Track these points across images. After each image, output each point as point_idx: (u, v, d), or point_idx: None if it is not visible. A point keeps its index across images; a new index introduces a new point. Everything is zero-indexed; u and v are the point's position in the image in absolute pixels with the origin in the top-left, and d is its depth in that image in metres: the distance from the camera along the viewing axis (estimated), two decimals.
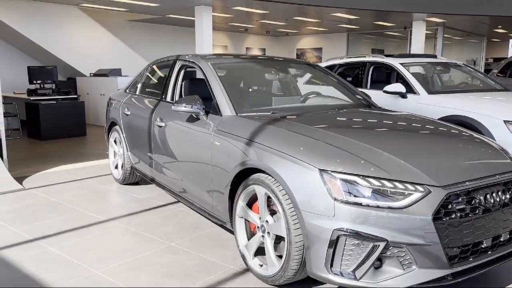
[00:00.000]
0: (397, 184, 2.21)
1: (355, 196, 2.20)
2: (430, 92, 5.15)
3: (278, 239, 2.60)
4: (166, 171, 3.81)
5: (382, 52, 19.04)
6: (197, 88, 3.96)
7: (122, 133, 4.68)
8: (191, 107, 3.20)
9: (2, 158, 5.28)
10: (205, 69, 3.53)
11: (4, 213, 3.98)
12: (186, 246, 3.25)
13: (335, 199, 2.21)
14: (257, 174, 2.64)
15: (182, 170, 3.53)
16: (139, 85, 4.74)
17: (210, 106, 3.27)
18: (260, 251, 2.73)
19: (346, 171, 2.25)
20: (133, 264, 2.97)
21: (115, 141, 5.03)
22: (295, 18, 13.39)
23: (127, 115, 4.55)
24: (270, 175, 2.53)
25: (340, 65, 6.59)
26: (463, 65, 6.18)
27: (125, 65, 11.07)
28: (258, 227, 2.71)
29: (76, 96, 8.89)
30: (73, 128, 8.38)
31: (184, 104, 3.23)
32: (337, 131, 2.76)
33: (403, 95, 5.21)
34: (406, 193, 2.20)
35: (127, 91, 4.98)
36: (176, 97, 3.94)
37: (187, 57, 3.95)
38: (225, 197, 2.94)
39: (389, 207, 2.17)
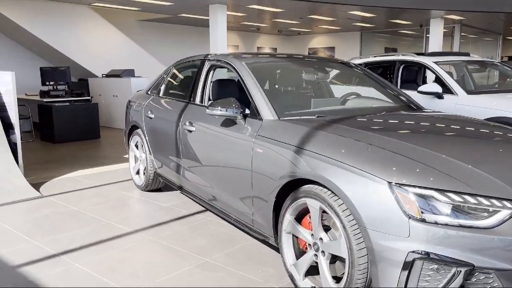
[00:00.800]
0: (482, 199, 1.93)
1: (432, 213, 1.92)
2: (469, 92, 4.86)
3: (333, 258, 2.33)
4: (196, 178, 3.54)
5: (395, 51, 18.70)
6: (227, 90, 3.71)
7: (145, 137, 4.42)
8: (227, 111, 2.94)
9: (18, 164, 5.04)
10: (240, 70, 3.26)
11: (23, 224, 3.74)
12: (222, 262, 2.99)
13: (409, 217, 1.93)
14: (309, 185, 2.37)
15: (215, 178, 3.26)
16: (162, 87, 4.48)
17: (243, 109, 3.00)
18: (311, 271, 2.46)
19: (421, 185, 1.97)
20: (170, 282, 2.71)
21: (136, 146, 4.78)
22: (309, 16, 13.11)
23: (151, 118, 4.29)
24: (325, 187, 2.26)
25: (366, 64, 6.30)
26: (499, 64, 5.87)
27: (137, 66, 10.85)
28: (309, 244, 2.44)
29: (89, 97, 8.66)
30: (86, 130, 8.15)
31: (219, 108, 2.96)
32: (397, 137, 2.48)
33: (439, 96, 4.92)
34: (491, 210, 1.92)
35: (149, 92, 4.73)
36: (206, 100, 3.67)
37: (217, 57, 3.69)
38: (268, 209, 2.67)
39: (473, 227, 1.89)
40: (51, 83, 8.25)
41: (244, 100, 3.07)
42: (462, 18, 13.11)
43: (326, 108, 3.25)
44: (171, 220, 3.81)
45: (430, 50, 13.13)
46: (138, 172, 4.80)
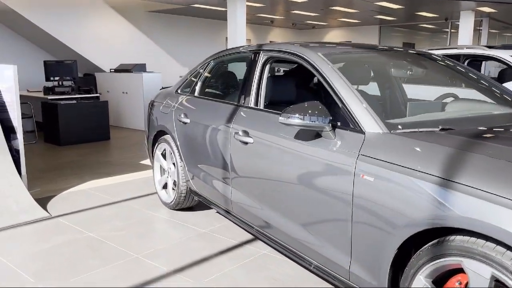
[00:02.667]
0: None
1: None
2: None
3: None
4: (253, 203, 2.74)
5: (413, 46, 17.89)
6: (287, 89, 2.91)
7: (177, 146, 3.62)
8: (312, 120, 2.13)
9: (20, 174, 4.25)
10: (319, 64, 2.45)
11: (29, 259, 2.94)
12: None
13: None
14: (467, 239, 1.57)
15: (285, 207, 2.46)
16: (198, 85, 3.66)
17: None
18: None
19: None
20: None
21: (163, 155, 3.98)
22: (331, 8, 12.27)
23: (185, 123, 3.49)
24: (501, 244, 1.46)
25: None
26: None
27: (147, 60, 10.03)
28: None
29: (98, 94, 7.84)
30: (95, 131, 7.35)
31: (298, 115, 2.16)
32: None
33: None
34: None
35: (179, 91, 3.92)
36: (261, 102, 2.87)
37: (278, 46, 2.87)
38: (382, 263, 1.87)
39: None
40: (56, 78, 7.43)
41: (328, 104, 2.26)
42: (493, 10, 12.28)
43: (441, 116, 2.45)
44: (216, 254, 3.01)
45: (459, 44, 12.31)
46: (165, 187, 4.00)
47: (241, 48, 3.33)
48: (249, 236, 3.28)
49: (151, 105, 4.28)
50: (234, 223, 3.37)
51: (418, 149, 1.84)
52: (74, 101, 7.22)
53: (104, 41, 10.17)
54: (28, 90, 8.06)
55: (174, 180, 3.81)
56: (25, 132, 7.30)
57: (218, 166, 3.07)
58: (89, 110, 7.28)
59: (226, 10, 9.45)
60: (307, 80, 3.52)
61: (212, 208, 3.82)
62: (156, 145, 4.03)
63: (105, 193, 4.38)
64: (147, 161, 5.80)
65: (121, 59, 10.05)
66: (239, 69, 3.29)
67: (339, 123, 2.21)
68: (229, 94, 3.47)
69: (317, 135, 2.24)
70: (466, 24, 11.98)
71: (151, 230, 3.46)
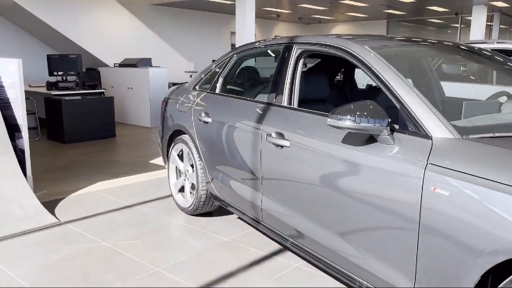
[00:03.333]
0: None
1: None
2: None
3: None
4: (292, 215, 2.45)
5: None
6: (321, 86, 2.64)
7: (196, 147, 3.34)
8: (370, 122, 1.86)
9: (25, 176, 3.97)
10: (369, 59, 2.17)
11: (39, 272, 2.67)
12: None
13: None
14: None
15: (336, 222, 2.18)
16: (219, 81, 3.38)
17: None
18: None
19: None
20: None
21: (179, 156, 3.71)
22: (340, 1, 11.95)
23: (206, 123, 3.21)
24: None
25: None
26: None
27: (151, 55, 9.72)
28: None
29: (103, 90, 7.54)
30: (101, 128, 7.06)
31: (349, 117, 1.89)
32: None
33: None
34: None
35: (197, 88, 3.64)
36: (295, 100, 2.59)
37: (316, 39, 2.59)
38: None
39: None
40: (60, 73, 7.13)
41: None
42: (506, 5, 11.98)
43: (502, 118, 2.18)
44: (243, 268, 2.74)
45: (471, 39, 12.02)
46: (181, 190, 3.73)
47: (269, 42, 3.05)
48: (277, 246, 3.01)
49: (165, 102, 4.00)
50: (262, 232, 3.11)
51: (505, 158, 1.57)
52: (79, 97, 6.93)
53: (107, 34, 9.87)
54: (30, 85, 7.76)
55: (192, 183, 3.54)
56: (27, 129, 7.02)
57: (246, 170, 2.80)
58: (94, 107, 6.99)
59: (231, 3, 9.18)
60: (346, 76, 3.25)
61: (232, 213, 3.56)
62: (171, 146, 3.76)
63: (115, 196, 4.11)
64: (156, 161, 5.53)
65: (124, 53, 9.75)
66: (266, 64, 3.01)
67: (396, 126, 1.94)
68: (256, 91, 3.19)
69: (370, 139, 1.97)
70: (478, 19, 11.68)
71: (169, 239, 3.19)
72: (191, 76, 11.38)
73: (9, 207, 3.44)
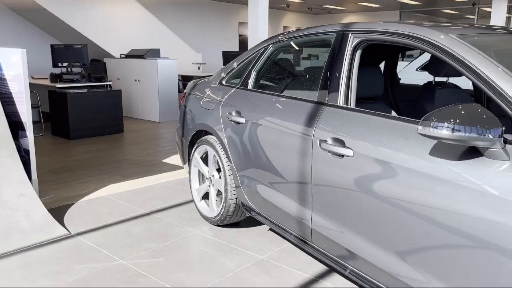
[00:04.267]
0: None
1: None
2: None
3: None
4: (354, 238, 2.04)
5: None
6: (375, 82, 2.24)
7: (226, 151, 2.94)
8: (476, 132, 1.45)
9: (30, 180, 3.58)
10: (461, 51, 1.76)
11: None
12: None
13: None
14: None
15: (413, 252, 1.78)
16: (252, 75, 2.96)
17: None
18: None
19: None
20: None
21: (203, 159, 3.30)
22: None
23: (239, 123, 2.80)
24: None
25: None
26: None
27: (158, 45, 9.30)
28: None
29: (110, 82, 7.12)
30: (108, 124, 6.65)
31: (446, 124, 1.48)
32: None
33: None
34: None
35: (224, 83, 3.22)
36: (352, 98, 2.18)
37: (383, 27, 2.16)
38: None
39: None
40: (65, 64, 6.70)
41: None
42: None
43: None
44: None
45: None
46: (205, 196, 3.34)
47: (314, 29, 2.62)
48: (321, 267, 2.62)
49: (186, 98, 3.59)
50: (301, 249, 2.71)
51: None
52: (85, 90, 6.51)
53: (113, 24, 9.42)
54: (32, 77, 7.34)
55: (218, 190, 3.14)
56: None
57: (289, 181, 2.39)
58: (102, 100, 6.57)
59: None
60: (387, 69, 2.82)
61: (262, 224, 3.17)
62: (194, 147, 3.35)
63: (130, 202, 3.72)
64: (170, 160, 5.13)
65: (130, 44, 9.32)
66: (317, 55, 2.59)
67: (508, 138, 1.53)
68: (299, 88, 2.78)
69: (473, 152, 1.56)
70: (498, 10, 11.19)
71: (196, 256, 2.79)
72: (199, 68, 10.95)
73: (12, 218, 3.04)
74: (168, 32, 10.36)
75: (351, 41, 2.27)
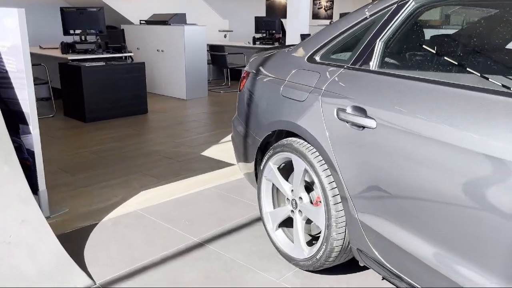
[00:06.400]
0: None
1: None
2: None
3: None
4: None
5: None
6: None
7: (333, 166, 1.89)
8: None
9: (37, 192, 2.60)
10: None
11: None
12: None
13: None
14: None
15: None
16: (377, 49, 1.86)
17: None
18: None
19: None
20: None
21: (281, 170, 2.27)
22: None
23: (363, 127, 1.73)
24: None
25: None
26: None
27: (180, 9, 8.11)
28: None
29: (130, 54, 6.03)
30: (130, 103, 5.63)
31: None
32: None
33: None
34: None
35: (318, 59, 2.13)
36: None
37: None
38: None
39: None
40: (77, 32, 5.63)
41: None
42: None
43: None
44: None
45: None
46: (282, 225, 2.33)
47: None
48: None
49: (251, 80, 2.53)
50: None
51: None
52: (102, 63, 5.45)
53: None
54: (40, 47, 6.29)
55: (308, 219, 2.13)
56: (38, 101, 5.59)
57: (465, 232, 1.35)
58: (122, 75, 5.53)
59: None
60: None
61: (364, 268, 2.16)
62: (268, 154, 2.30)
63: (171, 221, 2.72)
64: (210, 153, 4.11)
65: (151, 8, 8.16)
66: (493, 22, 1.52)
67: None
68: (485, 70, 1.68)
69: None
70: None
71: None
72: (225, 36, 9.77)
73: (11, 258, 2.06)
74: None
75: None
